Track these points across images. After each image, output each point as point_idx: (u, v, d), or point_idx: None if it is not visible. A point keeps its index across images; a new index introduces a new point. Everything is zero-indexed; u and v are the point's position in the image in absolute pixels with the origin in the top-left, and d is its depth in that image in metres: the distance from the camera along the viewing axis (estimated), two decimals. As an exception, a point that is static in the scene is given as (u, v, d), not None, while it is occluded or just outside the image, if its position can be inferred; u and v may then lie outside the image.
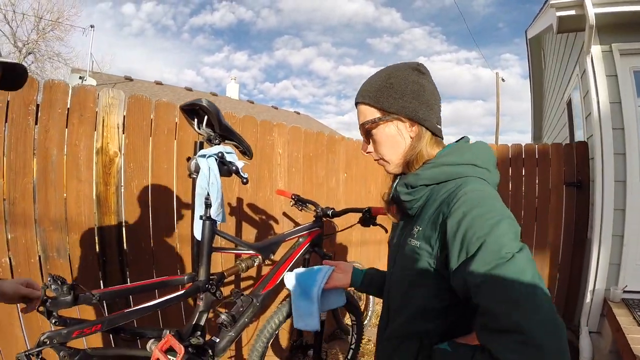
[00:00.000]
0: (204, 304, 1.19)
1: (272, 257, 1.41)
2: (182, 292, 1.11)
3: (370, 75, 0.88)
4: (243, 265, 1.30)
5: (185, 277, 1.21)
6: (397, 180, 0.87)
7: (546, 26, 3.41)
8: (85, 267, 1.71)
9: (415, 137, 0.81)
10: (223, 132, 1.14)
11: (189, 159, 1.50)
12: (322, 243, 1.68)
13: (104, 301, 1.14)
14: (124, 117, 1.83)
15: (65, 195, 1.69)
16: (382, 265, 1.14)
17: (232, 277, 2.13)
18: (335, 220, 1.75)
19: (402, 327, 0.80)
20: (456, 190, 0.73)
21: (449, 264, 0.69)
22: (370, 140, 0.87)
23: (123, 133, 1.83)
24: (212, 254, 1.19)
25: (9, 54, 14.00)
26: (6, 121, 1.60)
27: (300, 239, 1.59)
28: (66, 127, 1.71)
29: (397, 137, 0.82)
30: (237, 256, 2.05)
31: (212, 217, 1.11)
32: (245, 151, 1.23)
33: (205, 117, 1.12)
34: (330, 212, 1.68)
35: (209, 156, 1.12)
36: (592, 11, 2.90)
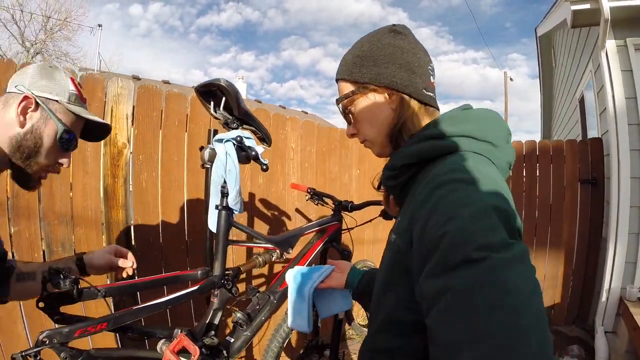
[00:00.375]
0: (219, 301, 1.09)
1: (291, 252, 1.31)
2: (196, 287, 1.01)
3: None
4: (260, 259, 1.20)
5: (199, 272, 1.11)
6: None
7: (559, 21, 3.31)
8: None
9: (396, 107, 0.68)
10: (242, 116, 1.04)
11: (202, 148, 1.41)
12: (340, 238, 1.57)
13: (111, 297, 1.04)
14: (134, 107, 1.74)
15: (71, 188, 1.60)
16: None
17: (243, 274, 2.03)
18: (354, 214, 1.64)
19: (372, 339, 0.65)
20: (439, 169, 0.57)
21: (413, 265, 0.53)
22: (351, 121, 0.74)
23: (132, 124, 1.74)
24: (227, 247, 1.09)
25: (17, 54, 13.99)
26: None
27: (318, 234, 1.48)
28: (73, 117, 1.62)
29: (375, 111, 0.70)
30: (250, 250, 1.95)
31: (229, 206, 1.01)
32: (265, 138, 1.13)
33: (223, 99, 1.02)
34: (349, 206, 1.58)
35: (227, 140, 1.02)
36: (607, 5, 2.83)
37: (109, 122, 1.64)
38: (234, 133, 1.02)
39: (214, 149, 1.33)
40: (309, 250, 1.40)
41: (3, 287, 0.90)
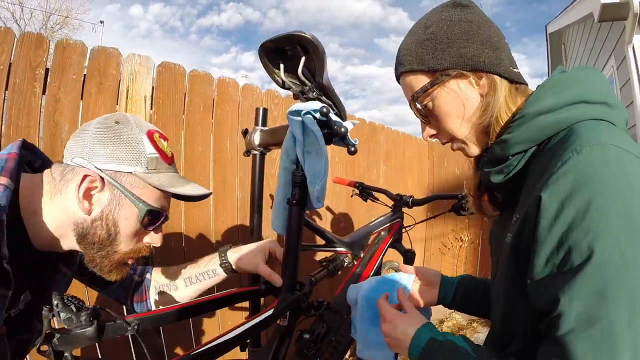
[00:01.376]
0: (290, 324, 0.81)
1: (362, 255, 1.04)
2: (271, 311, 0.72)
3: (402, 40, 0.65)
4: (331, 266, 0.93)
5: (262, 287, 0.82)
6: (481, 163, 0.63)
7: (582, 16, 3.17)
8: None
9: (487, 92, 0.58)
10: (325, 84, 0.77)
11: (246, 131, 1.12)
12: (401, 237, 1.32)
13: (147, 330, 0.75)
14: (153, 88, 1.44)
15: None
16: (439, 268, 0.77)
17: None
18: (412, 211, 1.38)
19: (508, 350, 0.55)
20: (560, 150, 0.48)
21: (532, 267, 0.47)
22: (430, 119, 0.64)
23: (151, 108, 1.44)
24: (299, 255, 0.81)
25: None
26: (6, 88, 1.21)
27: (383, 233, 1.22)
28: (81, 98, 1.32)
29: (462, 101, 0.59)
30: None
31: (312, 199, 0.73)
32: (342, 117, 0.86)
33: (303, 59, 0.74)
34: (410, 201, 1.32)
35: (306, 113, 0.74)
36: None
37: (121, 102, 1.36)
38: (315, 104, 0.75)
39: (264, 131, 1.05)
40: (376, 252, 1.13)
41: (142, 303, 0.82)
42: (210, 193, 0.72)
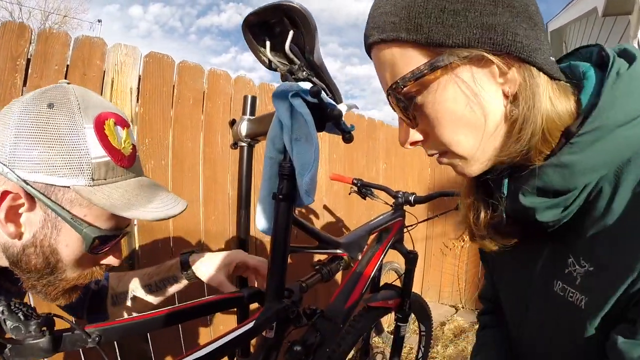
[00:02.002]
0: (278, 336, 0.71)
1: (359, 258, 0.94)
2: (252, 324, 0.61)
3: None
4: (325, 270, 0.82)
5: (245, 294, 0.72)
6: (504, 184, 0.43)
7: (586, 10, 3.07)
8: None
9: (521, 89, 0.37)
10: (316, 62, 0.66)
11: (233, 122, 1.02)
12: (403, 237, 1.21)
13: (111, 341, 0.66)
14: (139, 79, 1.34)
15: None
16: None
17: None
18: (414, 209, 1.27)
19: None
20: None
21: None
22: (417, 117, 0.41)
23: (137, 100, 1.34)
24: (287, 257, 0.71)
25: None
26: (-17, 79, 1.10)
27: (383, 233, 1.11)
28: (63, 89, 1.21)
29: (480, 102, 0.37)
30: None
31: (301, 193, 0.63)
32: (336, 100, 0.76)
33: (291, 33, 0.64)
34: (412, 198, 1.21)
35: (294, 95, 0.64)
36: (642, -7, 2.63)
37: (106, 93, 1.25)
38: (305, 85, 0.64)
39: (252, 120, 0.95)
40: (375, 254, 1.03)
41: (99, 314, 0.70)
42: (184, 209, 0.54)
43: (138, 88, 1.34)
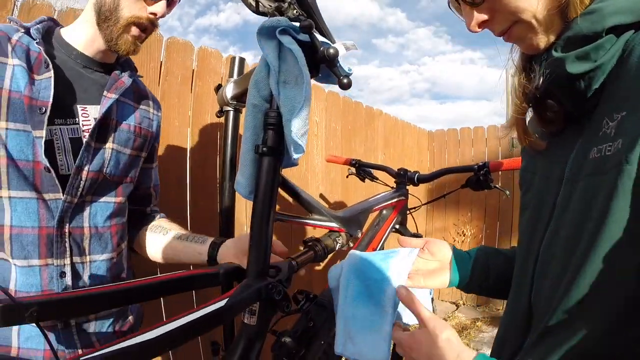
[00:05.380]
0: (260, 323, 0.55)
1: (359, 235, 0.78)
2: (225, 302, 0.45)
3: None
4: (319, 247, 0.66)
5: (221, 270, 0.56)
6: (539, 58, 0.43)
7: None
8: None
9: None
10: (307, 1, 0.52)
11: (219, 87, 0.87)
12: (406, 219, 1.05)
13: (53, 318, 0.51)
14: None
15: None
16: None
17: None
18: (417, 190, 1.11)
19: (600, 342, 0.33)
20: None
21: None
22: None
23: (121, 76, 1.19)
24: (272, 226, 0.55)
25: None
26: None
27: (385, 211, 0.95)
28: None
29: None
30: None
31: (288, 142, 0.48)
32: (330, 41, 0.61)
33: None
34: (415, 177, 1.06)
35: (282, 31, 0.49)
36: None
37: None
38: (292, 23, 0.49)
39: (237, 80, 0.79)
40: (378, 232, 0.87)
41: (135, 227, 0.77)
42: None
43: (122, 63, 1.19)
